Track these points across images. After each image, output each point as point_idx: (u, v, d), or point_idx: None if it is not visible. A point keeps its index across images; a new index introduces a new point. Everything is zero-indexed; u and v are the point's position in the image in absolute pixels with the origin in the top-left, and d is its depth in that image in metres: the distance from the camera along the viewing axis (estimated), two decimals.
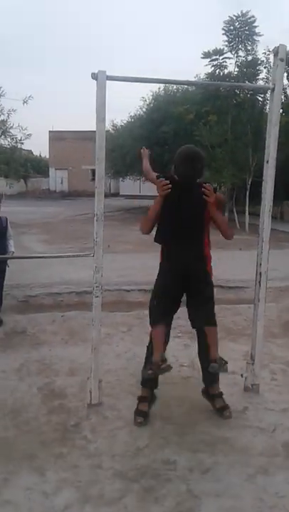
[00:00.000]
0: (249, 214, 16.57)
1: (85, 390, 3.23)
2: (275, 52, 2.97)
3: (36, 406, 3.20)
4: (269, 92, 3.18)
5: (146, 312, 5.11)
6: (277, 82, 3.01)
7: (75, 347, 4.25)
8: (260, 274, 3.19)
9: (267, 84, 3.35)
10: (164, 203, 2.86)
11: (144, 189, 28.07)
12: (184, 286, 2.99)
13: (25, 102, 14.86)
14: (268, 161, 3.10)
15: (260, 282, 3.19)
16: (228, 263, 8.67)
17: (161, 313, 3.08)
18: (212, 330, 3.02)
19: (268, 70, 16.30)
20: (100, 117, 2.77)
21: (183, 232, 2.93)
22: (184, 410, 3.13)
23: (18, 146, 16.80)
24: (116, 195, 39.93)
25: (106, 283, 6.32)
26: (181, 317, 4.99)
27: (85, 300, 5.48)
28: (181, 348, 4.29)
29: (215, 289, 6.41)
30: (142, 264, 8.20)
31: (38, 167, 43.84)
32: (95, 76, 2.72)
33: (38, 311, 5.23)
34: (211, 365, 2.94)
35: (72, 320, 4.85)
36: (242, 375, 3.39)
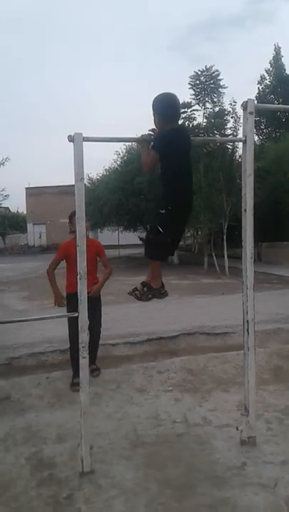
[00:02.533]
0: (228, 257, 16.78)
1: (76, 458, 3.06)
2: (244, 106, 3.09)
3: (25, 479, 3.01)
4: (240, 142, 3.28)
5: (134, 367, 5.05)
6: (248, 135, 3.12)
7: (62, 410, 4.07)
8: (248, 322, 3.15)
9: (239, 137, 3.49)
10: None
11: (122, 239, 28.29)
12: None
13: (1, 164, 15.07)
14: (245, 210, 3.14)
15: (248, 330, 3.16)
16: (212, 309, 8.67)
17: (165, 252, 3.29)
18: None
19: (235, 120, 17.08)
20: (79, 177, 2.80)
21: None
22: (181, 471, 2.98)
23: None
24: None
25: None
26: (170, 369, 4.95)
27: (69, 358, 5.33)
28: (172, 402, 4.16)
29: (202, 337, 6.45)
30: (125, 315, 8.13)
31: (16, 223, 44.03)
32: (71, 138, 2.77)
33: (22, 373, 5.03)
34: None
35: (58, 381, 4.68)
36: (237, 428, 3.27)
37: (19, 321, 3.82)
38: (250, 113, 3.13)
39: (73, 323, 4.80)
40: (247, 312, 3.15)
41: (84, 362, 2.89)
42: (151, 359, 5.62)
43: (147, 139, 2.99)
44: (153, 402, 4.16)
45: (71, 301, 4.82)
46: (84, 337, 2.88)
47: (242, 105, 3.15)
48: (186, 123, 16.82)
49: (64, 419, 3.87)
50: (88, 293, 4.88)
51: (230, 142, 17.12)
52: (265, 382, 4.52)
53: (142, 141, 3.00)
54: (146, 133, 3.01)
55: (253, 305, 3.17)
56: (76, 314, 2.88)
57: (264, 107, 4.90)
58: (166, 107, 2.94)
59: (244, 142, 3.16)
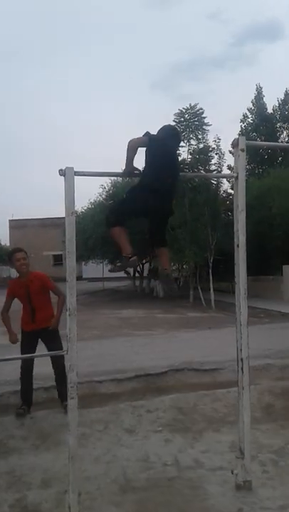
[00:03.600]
0: (213, 290, 16.77)
1: (62, 505, 2.88)
2: (235, 143, 3.11)
3: None
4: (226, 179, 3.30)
5: (122, 406, 4.88)
6: (240, 171, 3.13)
7: (47, 453, 3.88)
8: (242, 360, 3.08)
9: (230, 173, 3.57)
10: None
11: (107, 272, 28.13)
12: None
13: None
14: (238, 245, 3.12)
15: (242, 369, 3.07)
16: (199, 344, 8.56)
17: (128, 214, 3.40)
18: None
19: (219, 156, 17.44)
20: (69, 211, 2.76)
21: None
22: None
23: None
24: (79, 278, 39.73)
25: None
26: (160, 408, 4.79)
27: (54, 395, 5.14)
28: (163, 443, 4.01)
29: (191, 373, 6.32)
30: (111, 350, 7.97)
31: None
32: (62, 172, 2.74)
33: (5, 413, 4.81)
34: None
35: (43, 421, 4.49)
36: (232, 472, 3.14)
37: (3, 360, 3.67)
38: (242, 150, 3.15)
39: (24, 351, 4.82)
40: (241, 350, 3.08)
41: (72, 403, 2.77)
42: (140, 397, 5.46)
43: (133, 171, 3.19)
44: (142, 444, 4.00)
45: (24, 338, 4.91)
46: (73, 377, 2.77)
47: (232, 143, 3.18)
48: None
49: (49, 462, 3.68)
50: (39, 328, 4.87)
51: (222, 178, 17.48)
52: (258, 420, 4.39)
53: (132, 175, 3.21)
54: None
55: (248, 343, 3.10)
56: (64, 352, 2.77)
57: (254, 144, 4.98)
58: (168, 131, 3.44)
59: (236, 178, 3.18)
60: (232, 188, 24.71)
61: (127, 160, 3.13)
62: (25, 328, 4.92)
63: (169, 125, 3.60)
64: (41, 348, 4.91)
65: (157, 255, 3.53)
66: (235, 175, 3.15)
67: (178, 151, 3.54)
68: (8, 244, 44.01)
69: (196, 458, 3.67)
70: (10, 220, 43.48)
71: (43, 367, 4.96)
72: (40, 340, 4.95)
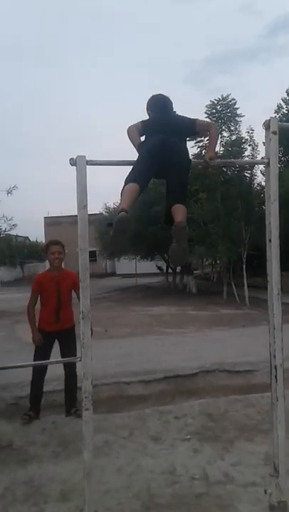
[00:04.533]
0: (247, 286, 16.29)
1: None
2: (267, 125, 2.78)
3: None
4: (256, 167, 2.97)
5: (148, 411, 4.63)
6: (272, 157, 2.80)
7: (67, 461, 3.66)
8: (276, 367, 2.76)
9: (262, 159, 3.17)
10: None
11: (140, 268, 27.99)
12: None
13: (9, 192, 15.04)
14: (270, 240, 2.80)
15: (276, 377, 2.76)
16: (232, 343, 8.21)
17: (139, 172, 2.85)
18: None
19: (253, 148, 16.87)
20: (82, 204, 2.51)
21: None
22: None
23: (1, 236, 16.88)
24: (112, 274, 39.94)
25: (103, 375, 5.85)
26: (188, 414, 4.52)
27: (80, 398, 4.95)
28: (191, 454, 3.72)
29: (222, 375, 6.01)
30: (141, 349, 7.74)
31: (35, 252, 44.19)
32: (73, 162, 2.50)
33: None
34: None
35: (65, 427, 4.29)
36: (266, 491, 2.83)
37: (19, 366, 3.47)
38: (274, 133, 2.81)
39: (36, 355, 4.57)
40: (275, 356, 2.76)
41: (87, 414, 2.53)
42: (168, 400, 5.20)
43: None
44: (169, 454, 3.73)
45: (42, 338, 4.64)
46: (87, 386, 2.53)
47: (264, 124, 2.85)
48: (204, 152, 16.68)
49: (69, 472, 3.47)
50: (63, 329, 4.62)
51: (252, 165, 16.88)
52: None
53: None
54: None
55: (282, 348, 2.78)
56: (78, 359, 2.54)
57: (287, 126, 4.57)
58: (155, 103, 3.19)
59: (267, 165, 2.84)
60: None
61: (135, 148, 2.92)
62: (48, 328, 4.64)
63: (152, 96, 3.25)
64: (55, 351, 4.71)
65: (174, 211, 2.95)
66: (266, 161, 2.82)
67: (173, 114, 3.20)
68: (44, 241, 44.61)
69: (227, 471, 3.37)
70: (45, 218, 44.05)
71: (61, 368, 4.77)
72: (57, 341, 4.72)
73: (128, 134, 2.96)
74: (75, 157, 2.51)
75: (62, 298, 4.64)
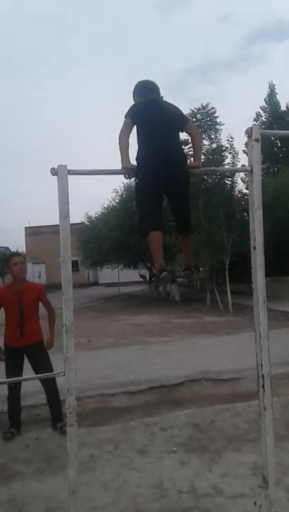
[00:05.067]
0: (231, 293, 16.36)
1: None
2: (249, 133, 2.77)
3: None
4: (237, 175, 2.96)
5: (134, 424, 4.56)
6: (255, 164, 2.78)
7: (52, 478, 3.56)
8: (263, 376, 2.72)
9: (245, 167, 3.15)
10: None
11: (122, 276, 27.89)
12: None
13: None
14: (255, 248, 2.77)
15: (263, 386, 2.72)
16: (217, 351, 8.18)
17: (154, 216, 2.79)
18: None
19: (233, 156, 17.05)
20: (64, 214, 2.44)
21: None
22: None
23: None
24: (95, 284, 39.74)
25: (87, 387, 5.75)
26: (174, 425, 4.45)
27: (64, 412, 4.84)
28: (178, 466, 3.66)
29: (208, 384, 5.97)
30: (124, 359, 7.66)
31: None
32: (55, 171, 2.44)
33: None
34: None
35: (49, 442, 4.18)
36: (255, 503, 2.78)
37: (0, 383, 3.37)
38: (256, 140, 2.80)
39: (8, 370, 4.42)
40: (262, 365, 2.72)
41: (72, 431, 2.45)
42: (154, 411, 5.13)
43: (131, 167, 2.72)
44: (155, 467, 3.66)
45: (10, 355, 4.52)
46: (71, 401, 2.45)
47: (246, 132, 2.83)
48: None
49: (54, 489, 3.37)
50: (29, 343, 4.49)
51: (233, 173, 17.04)
52: (281, 437, 4.00)
53: (127, 172, 2.74)
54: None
55: (269, 357, 2.75)
56: (62, 374, 2.46)
57: (269, 133, 4.58)
58: (142, 86, 3.00)
59: (250, 172, 2.82)
60: (247, 188, 24.30)
61: (121, 155, 2.72)
62: (12, 344, 4.49)
63: (138, 82, 3.06)
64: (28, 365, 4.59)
65: (181, 247, 3.03)
66: (249, 168, 2.80)
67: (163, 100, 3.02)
68: (24, 251, 44.19)
69: (215, 483, 3.32)
70: (26, 228, 43.67)
71: (38, 382, 4.66)
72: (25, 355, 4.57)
73: (119, 144, 2.75)
74: (56, 167, 2.45)
75: (24, 312, 4.51)
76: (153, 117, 2.82)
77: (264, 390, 2.70)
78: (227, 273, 16.61)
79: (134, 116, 2.79)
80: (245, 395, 5.31)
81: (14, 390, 4.48)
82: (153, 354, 8.12)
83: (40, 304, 4.68)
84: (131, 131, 2.79)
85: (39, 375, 4.39)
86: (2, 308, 4.58)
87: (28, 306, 4.53)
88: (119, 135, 2.77)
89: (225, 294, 16.41)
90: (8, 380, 4.29)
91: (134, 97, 3.01)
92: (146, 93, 2.97)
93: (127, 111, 2.84)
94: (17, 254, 4.67)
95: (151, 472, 3.56)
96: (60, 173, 2.45)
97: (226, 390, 5.79)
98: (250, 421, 4.40)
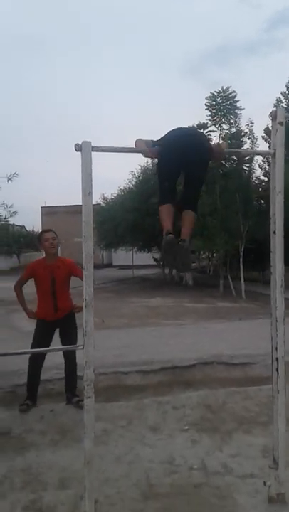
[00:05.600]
0: (244, 280, 16.33)
1: (79, 509, 2.67)
2: (274, 116, 2.76)
3: None
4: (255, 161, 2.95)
5: (147, 401, 4.64)
6: (278, 147, 2.78)
7: (66, 449, 3.67)
8: (277, 360, 2.75)
9: (268, 150, 3.13)
10: None
11: (136, 259, 27.97)
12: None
13: (9, 179, 14.83)
14: (274, 232, 2.78)
15: (277, 370, 2.75)
16: (229, 336, 8.22)
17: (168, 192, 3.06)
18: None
19: (252, 141, 16.84)
20: (86, 191, 2.48)
21: None
22: None
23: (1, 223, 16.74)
24: (109, 265, 39.91)
25: (101, 364, 5.84)
26: (186, 405, 4.52)
27: (79, 386, 4.94)
28: (189, 444, 3.73)
29: (220, 367, 6.02)
30: (138, 340, 7.74)
31: (32, 242, 44.05)
32: (79, 147, 2.47)
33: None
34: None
35: (63, 415, 4.29)
36: (265, 483, 2.84)
37: (20, 353, 3.47)
38: (280, 123, 2.79)
39: (35, 343, 4.53)
40: (277, 348, 2.75)
41: (89, 402, 2.52)
42: (166, 390, 5.20)
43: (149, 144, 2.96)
44: (167, 444, 3.74)
45: (41, 328, 4.63)
46: (89, 374, 2.51)
47: (270, 114, 2.82)
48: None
49: (68, 460, 3.47)
50: (61, 317, 4.58)
51: (251, 159, 16.87)
52: None
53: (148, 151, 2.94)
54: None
55: (284, 340, 2.78)
56: (80, 347, 2.52)
57: None
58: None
59: (273, 156, 2.82)
60: (264, 175, 24.00)
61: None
62: (47, 317, 4.61)
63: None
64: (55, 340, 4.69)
65: (182, 219, 3.08)
66: (272, 151, 2.79)
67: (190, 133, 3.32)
68: (40, 231, 44.51)
69: (225, 462, 3.38)
70: (42, 207, 43.88)
71: (60, 356, 4.75)
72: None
73: (135, 145, 2.93)
74: (80, 143, 2.47)
75: (57, 287, 4.57)
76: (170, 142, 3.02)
77: (278, 373, 2.74)
78: (241, 259, 16.54)
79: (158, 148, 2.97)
80: (257, 380, 5.35)
81: (36, 363, 4.59)
82: (166, 336, 8.20)
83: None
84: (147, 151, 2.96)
85: (59, 347, 4.48)
86: (33, 283, 4.65)
87: (61, 281, 4.60)
88: (137, 143, 2.95)
89: (238, 281, 16.39)
90: (31, 350, 4.41)
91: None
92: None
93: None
94: (48, 230, 4.68)
95: (163, 449, 3.64)
96: (84, 150, 2.47)
97: (237, 373, 5.83)
98: (261, 404, 4.45)
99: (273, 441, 2.84)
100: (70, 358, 4.61)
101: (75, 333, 4.60)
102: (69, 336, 4.55)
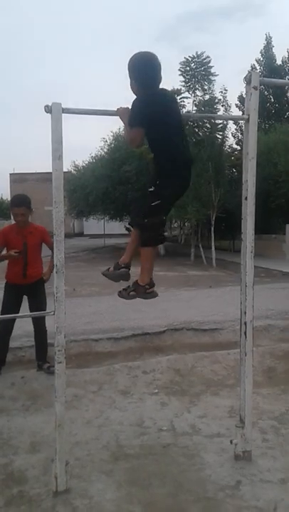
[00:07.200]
0: (215, 249, 16.52)
1: (50, 472, 2.71)
2: (248, 80, 2.72)
3: None
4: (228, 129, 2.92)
5: (117, 367, 4.70)
6: (252, 112, 2.75)
7: (37, 415, 3.70)
8: (245, 323, 2.81)
9: (241, 115, 3.04)
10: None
11: (108, 228, 27.83)
12: None
13: None
14: (246, 198, 2.79)
15: (245, 333, 2.82)
16: (199, 303, 8.36)
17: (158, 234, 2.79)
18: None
19: (226, 108, 16.72)
20: (56, 154, 2.41)
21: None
22: (168, 491, 2.65)
23: None
24: (80, 234, 39.63)
25: (72, 332, 5.86)
26: (156, 370, 4.61)
27: (50, 353, 4.95)
28: (158, 407, 3.82)
29: (189, 333, 6.13)
30: (109, 307, 7.77)
31: (0, 210, 43.13)
32: (48, 109, 2.38)
33: None
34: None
35: (34, 381, 4.31)
36: (231, 442, 2.94)
37: None
38: (254, 88, 2.76)
39: (7, 307, 4.49)
40: (245, 313, 2.81)
41: (60, 367, 2.52)
42: (136, 356, 5.28)
43: (124, 110, 2.62)
44: (137, 407, 3.82)
45: (9, 292, 4.57)
46: (60, 339, 2.51)
47: (245, 78, 2.78)
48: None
49: (39, 425, 3.51)
50: (30, 283, 4.53)
51: (218, 130, 16.76)
52: (258, 384, 4.20)
53: (121, 112, 2.63)
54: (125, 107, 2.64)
55: (253, 305, 2.83)
56: (52, 313, 2.51)
57: (270, 82, 4.49)
58: (143, 69, 2.56)
59: (246, 121, 2.80)
60: (237, 144, 23.95)
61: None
62: (15, 281, 4.54)
63: (138, 59, 2.59)
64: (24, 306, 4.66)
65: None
66: (246, 117, 2.77)
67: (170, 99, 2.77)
68: (9, 199, 43.47)
69: (193, 423, 3.49)
70: (11, 174, 42.81)
71: (30, 324, 4.74)
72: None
73: (126, 139, 2.70)
74: (50, 104, 2.38)
75: (29, 253, 4.50)
76: (162, 119, 2.56)
77: (246, 337, 2.81)
78: (212, 228, 16.67)
79: (140, 121, 2.53)
80: (225, 344, 5.49)
81: (6, 329, 4.55)
82: (137, 304, 8.21)
83: None
84: (141, 137, 2.60)
85: (30, 314, 4.45)
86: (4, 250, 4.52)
87: (33, 247, 4.52)
88: (127, 139, 2.70)
89: (209, 250, 16.56)
90: (2, 316, 4.36)
91: (131, 77, 2.59)
92: (149, 84, 2.57)
93: (132, 114, 2.54)
94: (17, 204, 4.49)
95: (133, 412, 3.72)
96: (54, 111, 2.39)
97: (206, 339, 5.96)
98: (228, 368, 4.58)
99: (240, 402, 2.93)
100: (39, 325, 4.59)
101: (45, 300, 4.57)
102: (38, 304, 4.51)
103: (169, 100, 2.70)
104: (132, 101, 2.57)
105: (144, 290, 2.91)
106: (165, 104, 2.61)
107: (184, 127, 2.80)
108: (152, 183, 2.65)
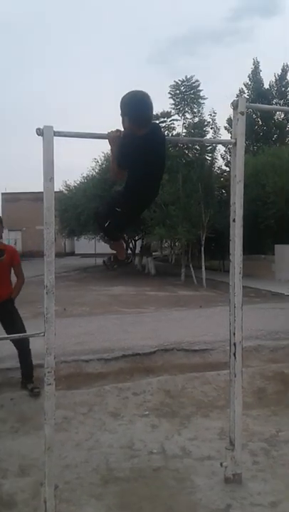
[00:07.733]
0: (205, 269, 16.59)
1: (39, 496, 2.67)
2: (235, 105, 2.80)
3: None
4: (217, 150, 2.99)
5: (107, 388, 4.67)
6: (239, 137, 2.83)
7: (26, 437, 3.66)
8: (235, 344, 2.83)
9: (229, 139, 3.11)
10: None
11: (99, 247, 27.81)
12: None
13: None
14: (234, 220, 2.84)
15: (235, 354, 2.83)
16: (190, 323, 8.35)
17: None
18: None
19: (215, 131, 17.02)
20: (48, 176, 2.45)
21: None
22: None
23: None
24: (71, 254, 39.58)
25: (62, 353, 5.81)
26: (146, 391, 4.58)
27: (38, 375, 4.90)
28: (149, 429, 3.80)
29: (180, 353, 6.11)
30: (99, 328, 7.74)
31: None
32: (40, 132, 2.42)
33: None
34: None
35: (24, 403, 4.26)
36: (221, 464, 2.93)
37: None
38: (241, 113, 2.84)
39: None
40: (234, 334, 2.83)
41: (49, 389, 2.51)
42: (127, 377, 5.24)
43: (115, 135, 2.63)
44: (127, 429, 3.79)
45: None
46: (50, 361, 2.50)
47: (232, 104, 2.87)
48: (166, 132, 16.64)
49: (28, 448, 3.47)
50: (4, 303, 4.50)
51: (214, 149, 17.06)
52: (248, 406, 4.19)
53: (111, 138, 2.66)
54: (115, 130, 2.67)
55: (242, 326, 2.86)
56: (42, 334, 2.51)
57: (256, 107, 4.59)
58: (134, 108, 2.54)
59: (234, 145, 2.87)
60: (226, 165, 24.27)
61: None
62: None
63: (130, 98, 2.58)
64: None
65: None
66: (233, 140, 2.84)
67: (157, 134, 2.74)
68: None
69: (184, 446, 3.47)
70: (3, 193, 42.86)
71: (30, 344, 4.71)
72: None
73: (110, 169, 2.78)
74: (42, 127, 2.43)
75: None
76: (140, 165, 2.61)
77: (235, 358, 2.82)
78: (202, 248, 16.77)
79: (123, 164, 2.63)
80: (215, 365, 5.47)
81: None
82: (128, 324, 8.23)
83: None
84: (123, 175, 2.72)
85: (16, 335, 4.41)
86: None
87: (1, 267, 4.51)
88: (111, 170, 2.77)
89: (199, 270, 16.62)
90: None
91: (123, 115, 2.58)
92: (140, 122, 2.56)
93: (119, 155, 2.60)
94: None
95: (123, 434, 3.69)
96: (46, 134, 2.44)
97: (196, 359, 5.93)
98: (219, 389, 4.57)
99: (230, 423, 2.93)
100: (21, 343, 4.55)
101: (19, 318, 4.56)
102: (13, 324, 4.48)
103: (157, 142, 2.68)
104: (124, 134, 2.59)
105: (124, 262, 3.34)
106: (151, 148, 2.59)
107: (163, 169, 2.92)
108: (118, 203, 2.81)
